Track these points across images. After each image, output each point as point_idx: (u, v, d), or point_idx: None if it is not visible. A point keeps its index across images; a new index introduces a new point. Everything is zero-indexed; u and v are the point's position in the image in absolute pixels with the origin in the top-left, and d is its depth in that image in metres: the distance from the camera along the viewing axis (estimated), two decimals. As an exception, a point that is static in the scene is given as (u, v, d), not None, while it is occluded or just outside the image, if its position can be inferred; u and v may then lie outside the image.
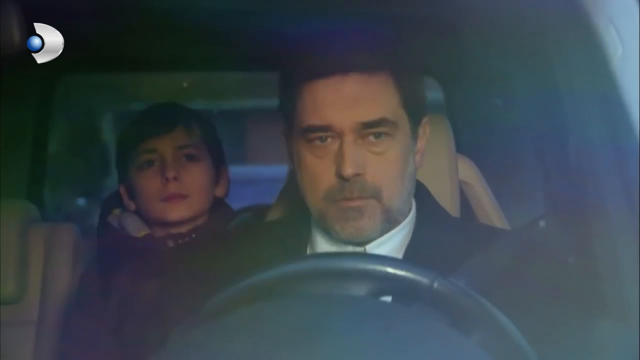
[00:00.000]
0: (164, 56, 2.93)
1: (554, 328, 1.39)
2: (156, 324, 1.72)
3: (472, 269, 1.46)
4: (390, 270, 1.28)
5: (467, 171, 2.22)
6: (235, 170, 2.45)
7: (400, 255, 1.65)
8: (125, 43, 2.70)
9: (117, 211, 2.30)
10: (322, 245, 1.67)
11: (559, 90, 1.64)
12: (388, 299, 1.31)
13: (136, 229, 2.25)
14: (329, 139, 1.59)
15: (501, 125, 2.63)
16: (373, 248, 1.65)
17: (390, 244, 1.67)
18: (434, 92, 3.13)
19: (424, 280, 1.27)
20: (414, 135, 1.66)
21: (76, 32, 1.73)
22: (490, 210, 2.25)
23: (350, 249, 1.65)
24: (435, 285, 1.27)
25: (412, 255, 1.64)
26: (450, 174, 1.98)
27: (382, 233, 1.64)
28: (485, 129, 2.70)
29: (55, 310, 2.41)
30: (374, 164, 1.59)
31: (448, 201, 1.94)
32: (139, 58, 2.96)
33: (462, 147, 2.26)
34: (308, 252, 1.69)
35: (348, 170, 1.57)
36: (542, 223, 1.76)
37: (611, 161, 1.39)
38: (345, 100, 1.58)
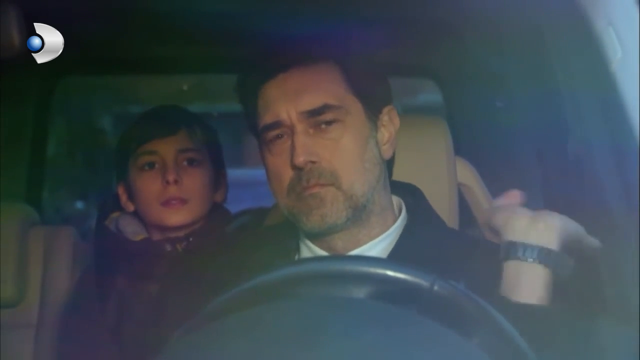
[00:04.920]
0: (164, 58, 2.92)
1: (554, 329, 1.39)
2: (154, 327, 1.72)
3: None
4: (390, 272, 1.28)
5: (466, 174, 2.21)
6: (234, 173, 2.44)
7: None
8: (124, 45, 2.70)
9: (115, 214, 2.29)
10: (312, 247, 1.67)
11: (558, 92, 1.64)
12: (388, 301, 1.31)
13: (133, 232, 2.24)
14: (285, 136, 1.63)
15: (500, 128, 2.63)
16: (364, 252, 1.64)
17: (379, 247, 1.66)
18: (433, 95, 3.13)
19: (424, 282, 1.27)
20: (373, 122, 1.67)
21: (75, 34, 1.73)
22: (489, 213, 2.24)
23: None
24: (436, 287, 1.26)
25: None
26: (448, 176, 1.98)
27: (350, 221, 1.63)
28: (484, 131, 2.70)
29: (54, 313, 2.40)
30: (328, 151, 1.62)
31: (446, 204, 1.94)
32: (138, 60, 2.96)
33: (461, 149, 2.26)
34: (303, 254, 1.68)
35: (300, 159, 1.59)
36: None
37: (611, 162, 1.39)
38: (289, 94, 1.63)
